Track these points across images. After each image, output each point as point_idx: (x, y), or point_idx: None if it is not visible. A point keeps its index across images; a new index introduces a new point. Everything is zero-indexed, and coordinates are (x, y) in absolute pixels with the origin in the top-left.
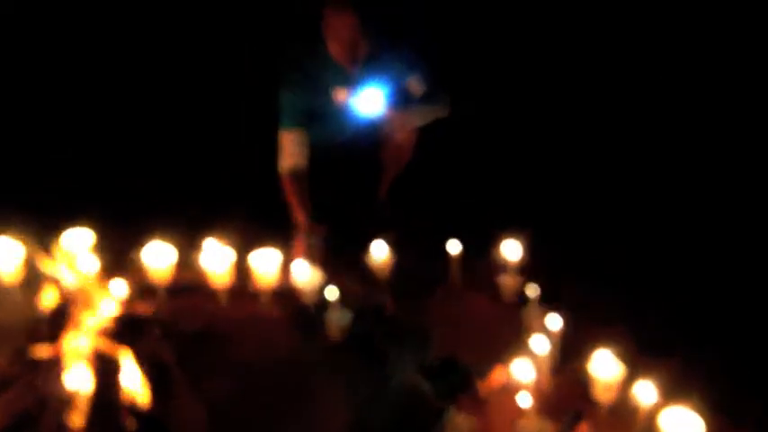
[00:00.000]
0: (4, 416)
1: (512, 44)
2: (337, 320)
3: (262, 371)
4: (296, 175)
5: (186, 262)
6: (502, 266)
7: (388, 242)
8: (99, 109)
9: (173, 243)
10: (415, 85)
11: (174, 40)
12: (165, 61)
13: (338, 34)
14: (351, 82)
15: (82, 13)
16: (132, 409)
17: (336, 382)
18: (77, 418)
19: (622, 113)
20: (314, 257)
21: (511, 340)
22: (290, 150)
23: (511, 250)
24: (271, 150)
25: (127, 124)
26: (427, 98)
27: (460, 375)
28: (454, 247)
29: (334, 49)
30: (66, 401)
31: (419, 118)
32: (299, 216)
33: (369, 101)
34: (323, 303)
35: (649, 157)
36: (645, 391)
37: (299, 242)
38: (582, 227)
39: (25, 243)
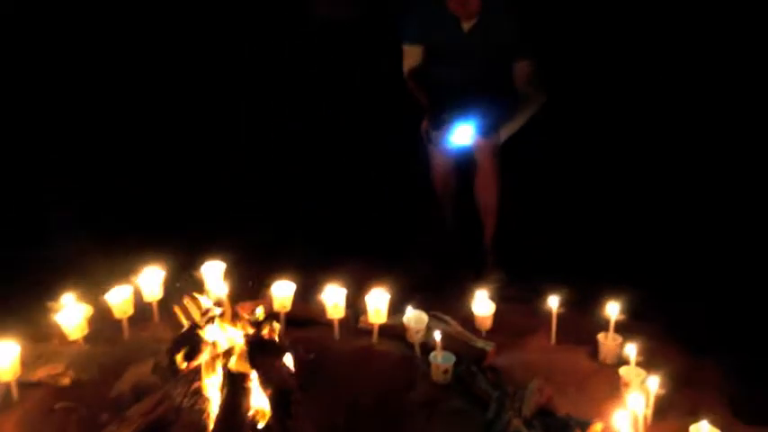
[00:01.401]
0: (142, 422)
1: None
2: (441, 362)
3: (367, 405)
4: (414, 73)
5: (305, 296)
6: (602, 324)
7: (491, 294)
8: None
9: (293, 278)
10: (523, 67)
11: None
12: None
13: None
14: (460, 34)
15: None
16: (254, 427)
17: (438, 423)
18: (206, 429)
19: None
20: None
21: (608, 397)
22: (409, 59)
23: (612, 309)
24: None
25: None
26: (520, 101)
27: (561, 425)
28: (554, 302)
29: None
30: (198, 412)
31: (512, 128)
32: (423, 101)
33: (460, 135)
34: (428, 345)
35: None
36: None
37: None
38: (687, 289)
39: (166, 268)
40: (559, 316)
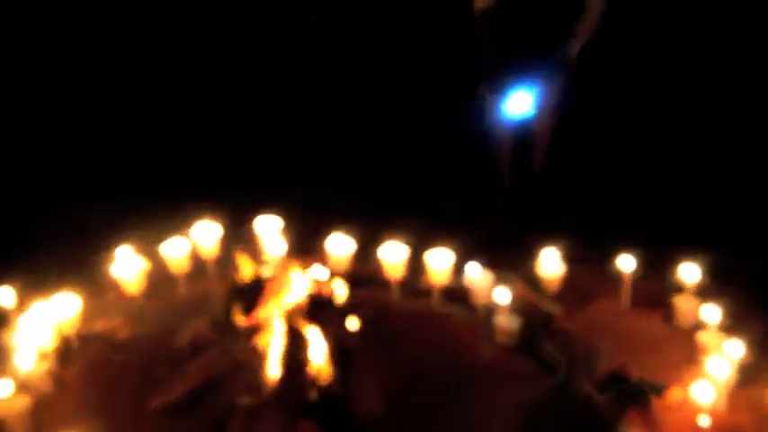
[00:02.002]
0: (201, 376)
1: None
2: (506, 325)
3: (428, 367)
4: (486, 14)
5: (365, 255)
6: (678, 287)
7: (561, 254)
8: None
9: (353, 235)
10: None
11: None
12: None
13: None
14: None
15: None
16: (315, 384)
17: (504, 385)
18: (266, 385)
19: None
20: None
21: (684, 363)
22: None
23: (689, 271)
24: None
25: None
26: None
27: (634, 390)
28: (626, 263)
29: None
30: (257, 368)
31: (581, 40)
32: (487, 53)
33: (517, 104)
34: (493, 306)
35: None
36: None
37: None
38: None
39: (223, 223)
40: (632, 278)
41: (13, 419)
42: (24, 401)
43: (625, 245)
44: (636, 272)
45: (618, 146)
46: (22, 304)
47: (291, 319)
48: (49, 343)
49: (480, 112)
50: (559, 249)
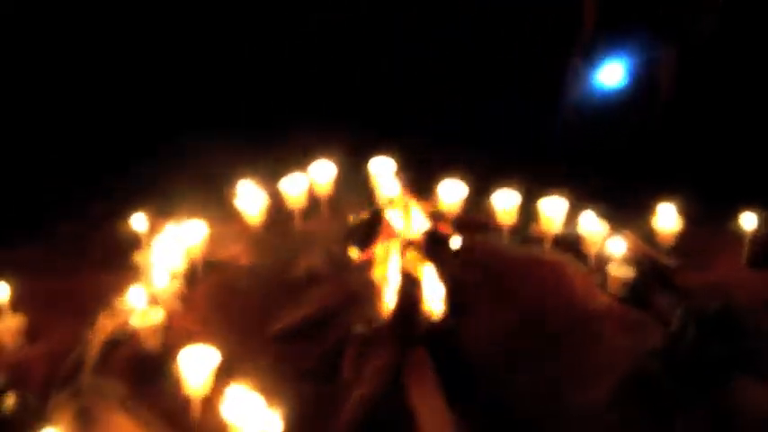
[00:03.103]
0: (316, 305)
1: None
2: (620, 275)
3: (539, 309)
4: None
5: (476, 200)
6: None
7: (677, 210)
8: None
9: (465, 181)
10: None
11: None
12: None
13: None
14: None
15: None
16: (428, 317)
17: (616, 334)
18: (380, 315)
19: None
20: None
21: None
22: None
23: None
24: None
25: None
26: None
27: (749, 346)
28: (749, 221)
29: None
30: (372, 299)
31: None
32: (588, 19)
33: (609, 74)
34: (604, 256)
35: None
36: None
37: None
38: None
39: (338, 163)
40: (753, 237)
41: (147, 331)
42: (158, 315)
43: (747, 204)
44: (757, 230)
45: (743, 104)
46: (153, 229)
47: (407, 254)
48: (179, 265)
49: (571, 81)
50: (677, 205)
